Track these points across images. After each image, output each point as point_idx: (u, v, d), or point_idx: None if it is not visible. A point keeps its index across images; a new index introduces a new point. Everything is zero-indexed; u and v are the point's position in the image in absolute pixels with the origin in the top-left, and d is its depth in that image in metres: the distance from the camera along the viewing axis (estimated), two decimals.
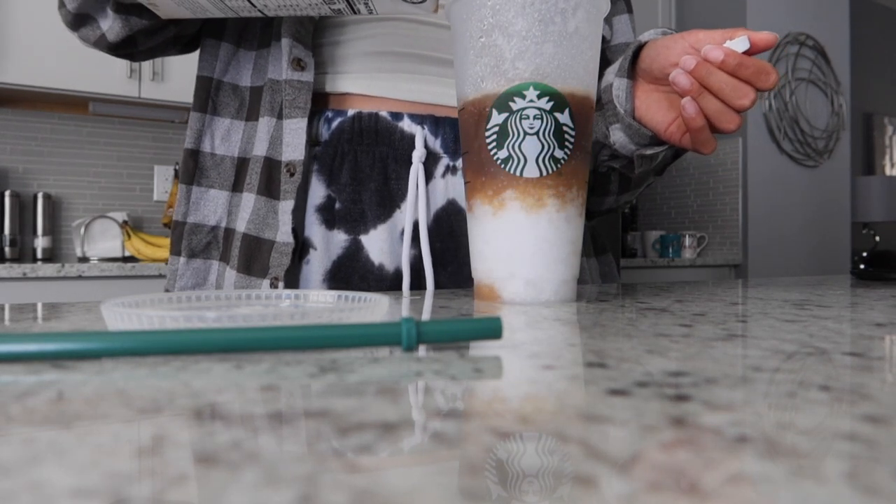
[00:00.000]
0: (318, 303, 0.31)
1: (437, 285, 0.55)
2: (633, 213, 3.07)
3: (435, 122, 0.55)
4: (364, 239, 0.53)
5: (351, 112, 0.54)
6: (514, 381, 0.16)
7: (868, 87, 3.77)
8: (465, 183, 0.39)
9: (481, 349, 0.21)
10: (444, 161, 0.55)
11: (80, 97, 1.99)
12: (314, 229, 0.53)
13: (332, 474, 0.10)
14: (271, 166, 0.53)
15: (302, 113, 0.53)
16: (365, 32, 0.55)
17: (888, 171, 3.85)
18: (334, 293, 0.30)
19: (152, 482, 0.09)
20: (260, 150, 0.54)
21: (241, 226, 0.55)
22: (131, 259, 1.99)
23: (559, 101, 0.36)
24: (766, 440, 0.11)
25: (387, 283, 0.53)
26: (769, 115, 2.76)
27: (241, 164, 0.57)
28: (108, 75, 1.95)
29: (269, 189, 0.53)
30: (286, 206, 0.52)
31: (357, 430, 0.12)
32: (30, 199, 2.13)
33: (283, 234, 0.52)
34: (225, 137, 0.57)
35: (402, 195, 0.54)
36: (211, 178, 0.57)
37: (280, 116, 0.54)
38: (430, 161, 0.54)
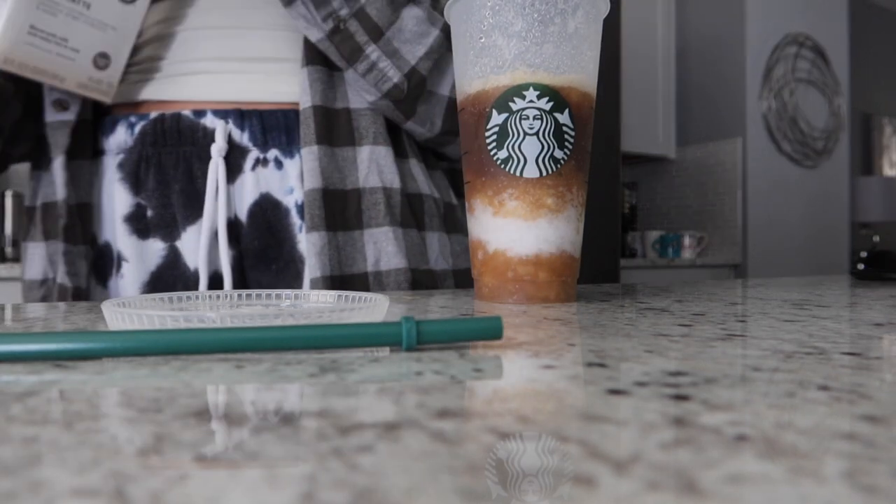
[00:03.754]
0: (318, 303, 0.31)
1: (263, 285, 0.52)
2: (632, 213, 3.08)
3: (240, 116, 0.52)
4: (179, 244, 0.52)
5: (153, 114, 0.52)
6: (514, 381, 0.16)
7: (867, 88, 3.77)
8: (466, 183, 0.39)
9: (481, 349, 0.21)
10: (254, 154, 0.52)
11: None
12: (125, 240, 0.52)
13: (332, 474, 0.10)
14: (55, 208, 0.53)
15: (61, 152, 0.52)
16: (163, 45, 0.54)
17: (887, 172, 3.85)
18: (334, 293, 0.30)
19: (152, 482, 0.09)
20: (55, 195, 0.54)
21: (60, 275, 0.53)
22: None
23: (559, 101, 0.36)
24: (765, 440, 0.11)
25: (205, 288, 0.50)
26: (768, 115, 2.77)
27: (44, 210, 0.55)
28: None
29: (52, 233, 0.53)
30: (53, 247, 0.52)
31: (357, 430, 0.12)
32: None
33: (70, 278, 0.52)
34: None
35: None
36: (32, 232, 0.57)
37: (49, 159, 0.54)
38: (237, 155, 0.52)
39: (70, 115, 0.53)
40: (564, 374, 0.17)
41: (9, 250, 1.99)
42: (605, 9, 0.38)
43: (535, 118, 0.36)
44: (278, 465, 0.10)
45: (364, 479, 0.09)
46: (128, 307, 0.24)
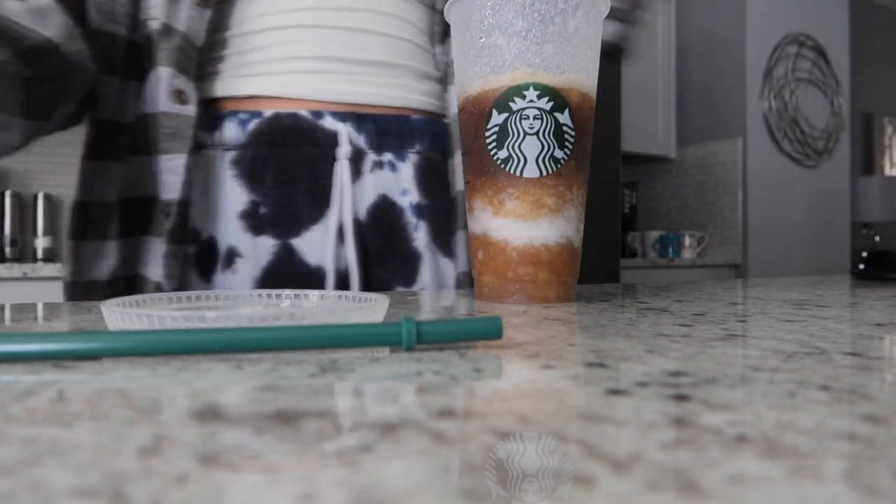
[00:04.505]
0: (318, 303, 0.31)
1: (382, 283, 0.54)
2: (633, 213, 3.08)
3: (357, 119, 0.54)
4: (296, 242, 0.52)
5: (268, 113, 0.52)
6: (514, 381, 0.16)
7: (868, 88, 3.77)
8: (466, 183, 0.39)
9: (481, 349, 0.21)
10: (371, 157, 0.55)
11: None
12: (239, 236, 0.52)
13: (332, 474, 0.10)
14: (145, 205, 0.51)
15: (183, 148, 0.50)
16: (272, 39, 0.54)
17: (888, 172, 3.85)
18: (334, 293, 0.30)
19: (152, 482, 0.09)
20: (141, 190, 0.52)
21: (153, 273, 0.51)
22: None
23: (559, 101, 0.36)
24: (765, 440, 0.11)
25: (333, 285, 0.52)
26: (769, 115, 2.76)
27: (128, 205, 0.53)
28: None
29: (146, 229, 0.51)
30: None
31: (357, 430, 0.12)
32: (30, 200, 2.13)
33: (157, 275, 0.50)
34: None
35: (332, 194, 0.53)
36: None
37: (155, 152, 0.51)
38: (357, 157, 0.54)
39: (190, 110, 0.50)
40: (564, 374, 0.17)
41: (8, 250, 1.99)
42: (605, 9, 0.38)
43: (535, 118, 0.36)
44: (278, 465, 0.10)
45: (364, 479, 0.09)
46: (127, 307, 0.24)
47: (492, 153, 0.36)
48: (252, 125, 0.52)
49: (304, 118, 0.53)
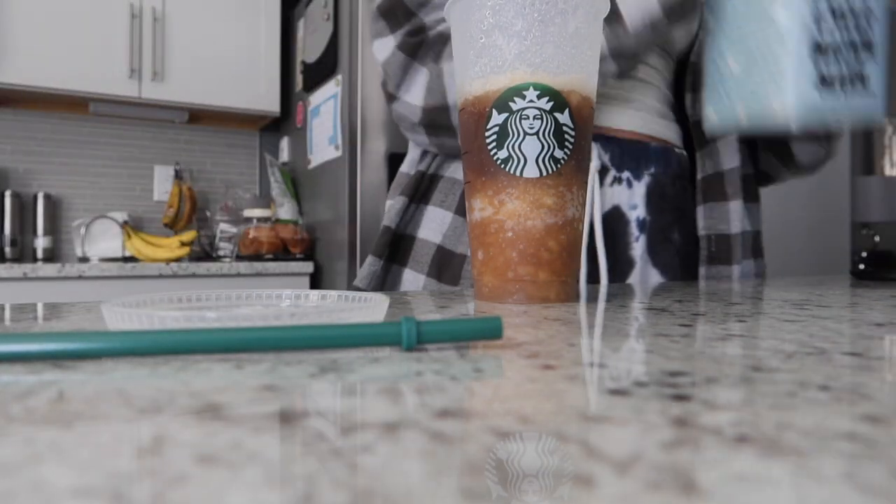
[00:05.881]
0: (318, 303, 0.31)
1: (594, 277, 0.64)
2: None
3: (605, 140, 0.64)
4: None
5: None
6: (514, 381, 0.16)
7: None
8: (466, 183, 0.39)
9: (481, 349, 0.21)
10: (612, 173, 0.64)
11: (80, 97, 1.99)
12: None
13: (332, 474, 0.10)
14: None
15: None
16: None
17: (888, 171, 3.85)
18: (334, 293, 0.30)
19: (152, 482, 0.09)
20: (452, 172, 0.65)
21: (432, 236, 0.64)
22: (131, 259, 1.99)
23: (559, 101, 0.36)
24: (765, 440, 0.11)
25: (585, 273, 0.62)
26: None
27: (429, 179, 0.66)
28: (108, 75, 1.95)
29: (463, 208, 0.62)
30: None
31: (357, 430, 0.12)
32: (30, 200, 2.13)
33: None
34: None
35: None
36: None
37: None
38: (602, 171, 0.64)
39: None
40: (564, 374, 0.17)
41: (8, 250, 1.99)
42: (605, 9, 0.38)
43: (535, 118, 0.36)
44: (278, 465, 0.10)
45: (364, 479, 0.09)
46: (127, 307, 0.24)
47: (492, 153, 0.36)
48: None
49: None
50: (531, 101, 0.35)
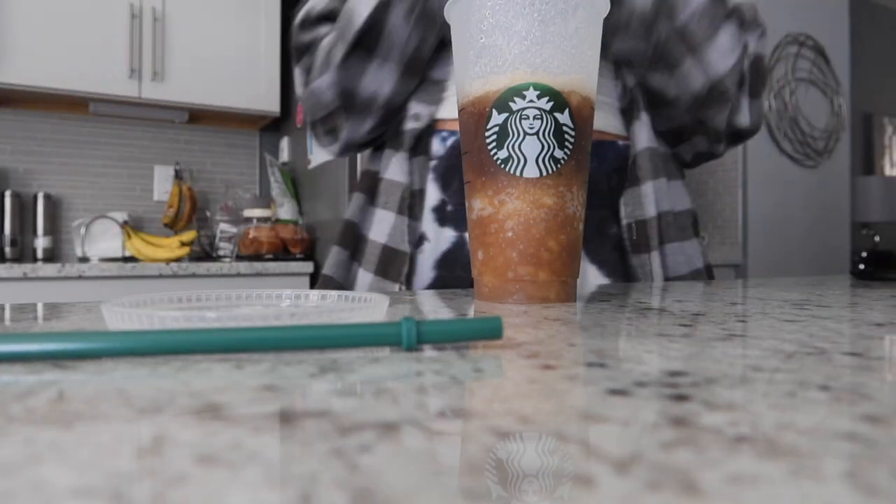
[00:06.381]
0: (318, 303, 0.31)
1: None
2: None
3: None
4: (467, 235, 0.63)
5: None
6: (514, 381, 0.16)
7: (868, 88, 3.77)
8: (466, 183, 0.39)
9: (481, 349, 0.21)
10: None
11: (80, 97, 1.99)
12: (429, 226, 0.65)
13: (332, 474, 0.10)
14: (412, 194, 0.67)
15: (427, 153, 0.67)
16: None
17: (888, 172, 3.85)
18: (334, 293, 0.30)
19: (152, 482, 0.09)
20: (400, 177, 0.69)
21: (379, 237, 0.66)
22: (131, 259, 1.99)
23: (559, 101, 0.36)
24: (765, 440, 0.11)
25: None
26: (769, 115, 2.76)
27: (373, 179, 0.70)
28: (108, 75, 1.95)
29: (404, 209, 0.66)
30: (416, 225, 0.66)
31: (357, 430, 0.12)
32: (30, 199, 2.13)
33: (409, 245, 0.65)
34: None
35: None
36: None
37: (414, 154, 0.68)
38: None
39: (421, 123, 0.68)
40: (564, 374, 0.17)
41: (8, 250, 1.99)
42: (605, 9, 0.38)
43: (535, 118, 0.36)
44: (278, 465, 0.10)
45: (364, 479, 0.09)
46: (127, 307, 0.24)
47: (492, 153, 0.36)
48: (450, 141, 0.66)
49: None
50: (531, 101, 0.35)
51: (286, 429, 0.12)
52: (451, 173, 0.65)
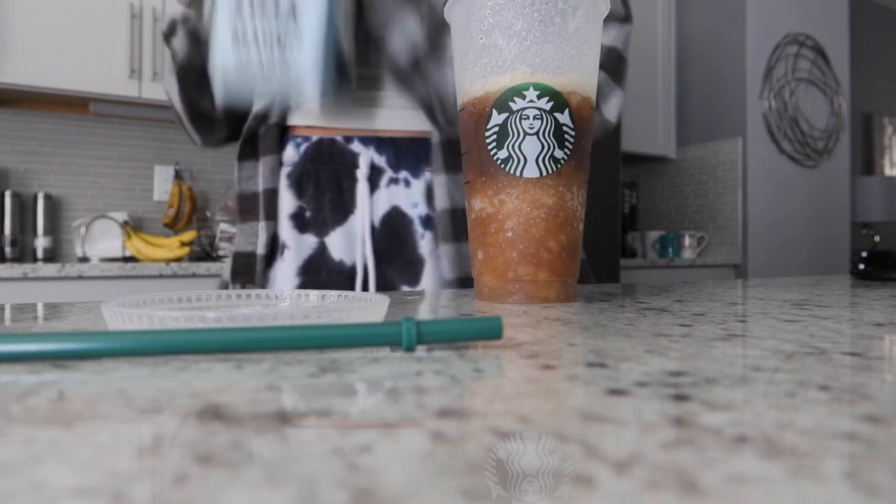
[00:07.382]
0: (317, 303, 0.31)
1: (385, 278, 0.65)
2: (632, 213, 3.07)
3: (379, 143, 0.66)
4: (327, 240, 0.65)
5: (315, 138, 0.67)
6: (514, 381, 0.16)
7: (868, 87, 3.77)
8: (466, 183, 0.39)
9: (481, 349, 0.21)
10: (388, 174, 0.66)
11: (80, 97, 1.99)
12: (288, 233, 0.65)
13: (332, 474, 0.10)
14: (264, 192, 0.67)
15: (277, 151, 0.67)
16: None
17: (888, 172, 3.85)
18: (334, 293, 0.30)
19: (152, 482, 0.09)
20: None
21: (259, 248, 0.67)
22: (132, 259, 1.99)
23: (559, 101, 0.36)
24: (765, 440, 0.11)
25: (346, 275, 0.64)
26: (769, 115, 2.76)
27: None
28: (108, 75, 1.95)
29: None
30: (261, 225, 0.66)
31: (357, 430, 0.12)
32: (30, 199, 2.13)
33: (261, 247, 0.65)
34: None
35: (354, 204, 0.65)
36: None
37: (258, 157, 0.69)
38: (375, 174, 0.66)
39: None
40: (564, 374, 0.17)
41: (8, 250, 1.99)
42: (605, 9, 0.38)
43: (535, 118, 0.36)
44: (278, 465, 0.10)
45: (364, 479, 0.09)
46: (127, 307, 0.24)
47: (492, 153, 0.36)
48: (304, 147, 0.66)
49: (339, 143, 0.66)
50: (531, 101, 0.35)
51: (286, 429, 0.12)
52: (307, 179, 0.66)
